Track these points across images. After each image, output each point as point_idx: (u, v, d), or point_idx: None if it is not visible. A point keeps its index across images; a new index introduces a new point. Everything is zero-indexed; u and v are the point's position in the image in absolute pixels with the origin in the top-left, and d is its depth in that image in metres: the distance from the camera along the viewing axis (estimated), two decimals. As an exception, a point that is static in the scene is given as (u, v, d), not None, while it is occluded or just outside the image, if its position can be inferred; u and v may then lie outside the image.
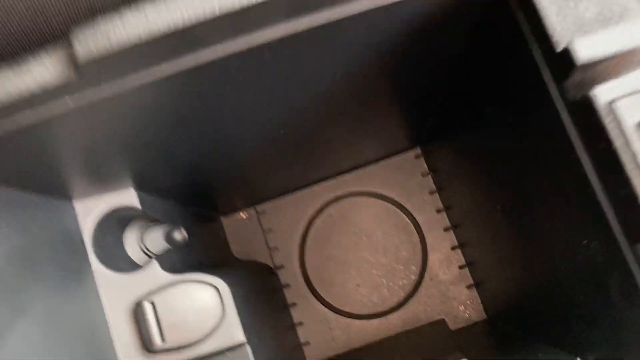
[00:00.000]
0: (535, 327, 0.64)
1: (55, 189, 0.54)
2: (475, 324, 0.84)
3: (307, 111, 0.63)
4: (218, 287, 0.59)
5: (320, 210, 0.92)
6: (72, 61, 0.35)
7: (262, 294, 0.75)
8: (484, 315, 0.84)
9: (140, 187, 0.62)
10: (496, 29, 0.44)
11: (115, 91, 0.37)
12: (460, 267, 0.86)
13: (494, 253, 0.72)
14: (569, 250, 0.46)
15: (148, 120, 0.46)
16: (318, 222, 0.92)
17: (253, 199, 0.90)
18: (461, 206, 0.80)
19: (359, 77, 0.58)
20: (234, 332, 0.59)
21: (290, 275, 0.89)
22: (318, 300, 0.89)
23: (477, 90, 0.56)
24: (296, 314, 0.88)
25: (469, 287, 0.86)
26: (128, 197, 0.61)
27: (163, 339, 0.56)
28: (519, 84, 0.44)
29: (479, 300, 0.85)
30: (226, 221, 0.91)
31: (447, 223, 0.87)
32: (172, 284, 0.58)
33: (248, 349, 0.61)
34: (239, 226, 0.91)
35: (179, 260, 0.66)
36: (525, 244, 0.59)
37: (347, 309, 0.89)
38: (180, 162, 0.61)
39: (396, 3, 0.38)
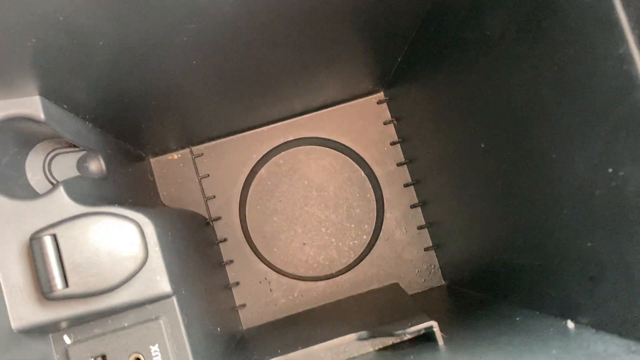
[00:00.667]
0: (509, 290, 0.56)
1: None
2: (433, 289, 0.76)
3: (257, 29, 0.53)
4: (141, 224, 0.47)
5: (267, 157, 0.81)
6: None
7: (193, 245, 0.64)
8: (442, 282, 0.77)
9: (48, 96, 0.49)
10: None
11: None
12: (419, 228, 0.78)
13: (463, 208, 0.63)
14: (585, 184, 0.38)
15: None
16: (263, 170, 0.81)
17: (189, 139, 0.77)
18: (426, 158, 0.71)
19: None
20: (158, 280, 0.48)
21: (228, 228, 0.78)
22: (258, 258, 0.78)
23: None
24: (232, 273, 0.77)
25: (427, 249, 0.77)
26: (30, 105, 0.48)
27: (65, 283, 0.44)
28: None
29: (437, 265, 0.77)
30: (156, 162, 0.78)
31: (408, 178, 0.78)
32: (81, 216, 0.46)
33: (174, 301, 0.49)
34: (171, 169, 0.79)
35: (92, 194, 0.54)
36: (511, 189, 0.50)
37: (290, 270, 0.79)
38: (101, 69, 0.49)
39: None
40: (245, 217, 0.80)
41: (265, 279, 0.78)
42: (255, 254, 0.78)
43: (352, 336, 0.54)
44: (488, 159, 0.52)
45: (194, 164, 0.78)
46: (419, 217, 0.78)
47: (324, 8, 0.53)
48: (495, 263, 0.59)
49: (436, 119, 0.65)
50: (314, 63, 0.66)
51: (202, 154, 0.79)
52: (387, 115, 0.79)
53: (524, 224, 0.49)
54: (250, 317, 0.76)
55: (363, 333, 0.54)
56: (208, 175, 0.78)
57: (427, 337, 0.51)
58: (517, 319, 0.51)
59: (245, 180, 0.79)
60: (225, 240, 0.78)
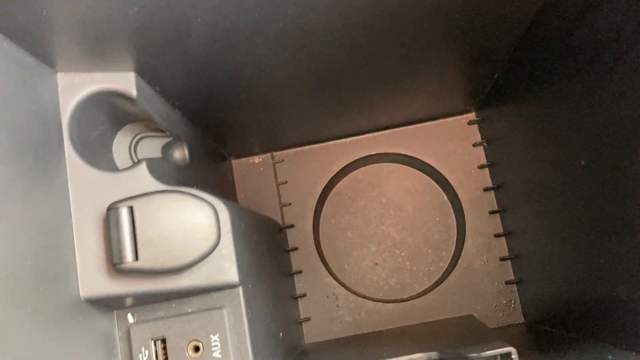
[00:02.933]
0: (601, 327, 0.50)
1: (33, 41, 0.42)
2: (511, 325, 0.70)
3: (354, 25, 0.51)
4: (217, 209, 0.46)
5: (346, 170, 0.79)
6: None
7: (264, 246, 0.62)
8: (521, 319, 0.71)
9: (142, 75, 0.50)
10: None
11: None
12: (502, 259, 0.73)
13: (555, 239, 0.58)
14: None
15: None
16: (342, 183, 0.80)
17: (271, 143, 0.77)
18: (517, 184, 0.67)
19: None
20: (227, 268, 0.46)
21: (300, 237, 0.76)
22: (328, 272, 0.76)
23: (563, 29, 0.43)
24: (300, 284, 0.75)
25: (508, 283, 0.72)
26: (124, 81, 0.49)
27: (136, 256, 0.43)
28: None
29: (518, 301, 0.71)
30: (237, 164, 0.78)
31: (495, 205, 0.74)
32: (162, 192, 0.45)
33: (240, 292, 0.48)
34: (251, 172, 0.78)
35: (172, 177, 0.54)
36: (615, 212, 0.45)
37: (359, 290, 0.76)
38: (195, 49, 0.49)
39: None
40: (319, 229, 0.78)
41: (333, 294, 0.75)
42: (325, 267, 0.76)
43: (421, 356, 0.50)
44: (589, 179, 0.47)
45: (274, 169, 0.78)
46: (502, 247, 0.73)
47: (423, 18, 0.52)
48: (586, 298, 0.54)
49: (534, 142, 0.60)
50: (405, 75, 0.64)
51: (283, 160, 0.78)
52: (477, 137, 0.76)
53: (626, 252, 0.44)
54: (313, 332, 0.73)
55: (433, 354, 0.50)
56: (286, 181, 0.78)
57: (504, 367, 0.47)
58: (610, 357, 0.46)
59: (322, 191, 0.78)
60: (296, 249, 0.76)
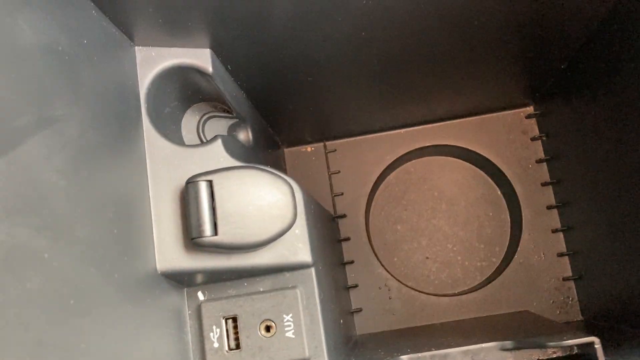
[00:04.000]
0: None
1: (116, 11, 0.42)
2: (569, 323, 0.68)
3: (423, 27, 0.51)
4: (293, 187, 0.46)
5: (398, 162, 0.78)
6: None
7: (325, 232, 0.61)
8: (579, 317, 0.69)
9: (217, 51, 0.50)
10: None
11: None
12: (559, 255, 0.71)
13: (618, 234, 0.57)
14: None
15: None
16: (394, 175, 0.79)
17: (324, 133, 0.76)
18: (577, 179, 0.65)
19: None
20: (301, 248, 0.46)
21: (352, 227, 0.76)
22: (380, 263, 0.75)
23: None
24: (352, 274, 0.74)
25: (565, 279, 0.70)
26: (201, 56, 0.49)
27: (215, 231, 0.42)
28: None
29: (576, 297, 0.70)
30: (289, 152, 0.78)
31: (552, 200, 0.72)
32: (241, 167, 0.45)
33: (313, 272, 0.47)
34: (303, 161, 0.78)
35: (242, 155, 0.53)
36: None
37: (409, 283, 0.75)
38: (273, 28, 0.49)
39: None
40: (369, 220, 0.77)
41: (385, 285, 0.74)
42: (377, 257, 0.75)
43: (494, 344, 0.49)
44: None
45: (326, 158, 0.77)
46: (559, 243, 0.72)
47: (493, 14, 0.51)
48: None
49: (596, 136, 0.59)
50: (466, 68, 0.63)
51: (335, 150, 0.77)
52: (536, 131, 0.74)
53: None
54: (365, 323, 0.72)
55: (507, 343, 0.48)
56: (339, 171, 0.77)
57: (582, 358, 0.45)
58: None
59: (375, 182, 0.77)
60: (348, 239, 0.75)
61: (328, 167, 0.77)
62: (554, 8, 0.52)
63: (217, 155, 0.47)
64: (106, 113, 0.40)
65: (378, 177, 0.77)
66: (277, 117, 0.68)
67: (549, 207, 0.72)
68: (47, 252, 0.30)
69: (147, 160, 0.45)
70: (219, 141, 0.47)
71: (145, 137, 0.45)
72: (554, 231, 0.72)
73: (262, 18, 0.46)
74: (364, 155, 0.77)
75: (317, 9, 0.46)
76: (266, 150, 0.68)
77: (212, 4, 0.43)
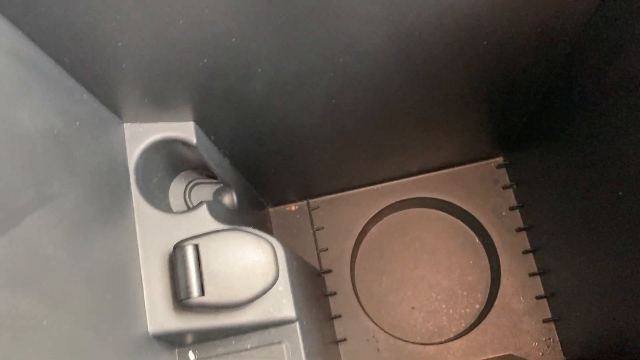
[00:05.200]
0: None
1: (105, 93, 0.46)
2: (552, 365, 0.70)
3: (385, 90, 0.56)
4: (274, 245, 0.49)
5: (380, 215, 0.81)
6: None
7: (309, 288, 0.64)
8: (562, 357, 0.71)
9: (200, 124, 0.54)
10: None
11: None
12: (538, 298, 0.74)
13: (592, 275, 0.60)
14: None
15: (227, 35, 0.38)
16: (375, 228, 0.82)
17: (307, 191, 0.80)
18: (550, 223, 0.69)
19: (447, 53, 0.50)
20: (284, 304, 0.48)
21: (338, 281, 0.78)
22: (367, 315, 0.77)
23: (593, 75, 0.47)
24: (340, 328, 0.76)
25: (546, 321, 0.73)
26: (185, 129, 0.53)
27: (202, 292, 0.45)
28: None
29: (557, 338, 0.72)
30: (274, 212, 0.81)
31: (527, 245, 0.76)
32: (225, 230, 0.48)
33: (297, 327, 0.49)
34: (288, 219, 0.81)
35: (226, 219, 0.57)
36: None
37: (397, 334, 0.77)
38: (246, 111, 0.53)
39: None
40: (354, 273, 0.80)
41: (373, 337, 0.76)
42: (364, 310, 0.77)
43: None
44: (628, 209, 0.50)
45: (310, 216, 0.80)
46: (537, 286, 0.74)
47: (459, 73, 0.56)
48: (632, 334, 0.55)
49: (565, 180, 0.63)
50: (436, 123, 0.68)
51: (319, 207, 0.81)
52: (506, 180, 0.78)
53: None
54: (355, 376, 0.74)
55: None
56: (322, 227, 0.80)
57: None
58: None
59: (358, 236, 0.80)
60: (334, 293, 0.77)
61: (312, 224, 0.80)
62: (513, 68, 0.57)
63: (202, 220, 0.50)
64: (99, 187, 0.43)
65: (361, 231, 0.80)
66: (261, 179, 0.72)
67: (525, 252, 0.75)
68: (46, 319, 0.33)
69: (137, 228, 0.48)
70: (204, 207, 0.50)
71: (134, 207, 0.49)
72: (531, 275, 0.75)
73: (239, 93, 0.50)
74: (346, 210, 0.81)
75: (290, 82, 0.50)
76: (251, 211, 0.72)
77: (194, 83, 0.48)
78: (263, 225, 0.78)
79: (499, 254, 0.76)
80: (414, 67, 0.53)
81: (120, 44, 0.40)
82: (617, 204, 0.51)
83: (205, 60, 0.44)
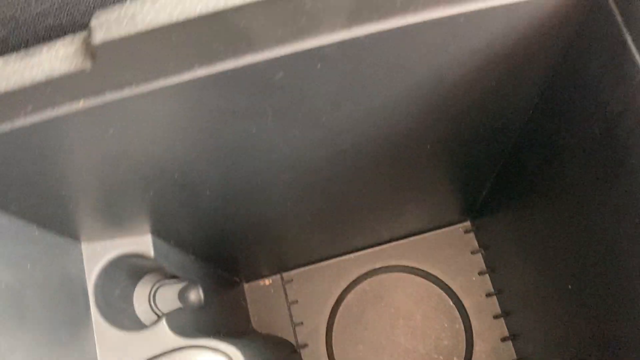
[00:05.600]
0: None
1: (59, 224, 0.47)
2: None
3: (346, 173, 0.57)
4: (232, 357, 0.50)
5: (354, 284, 0.82)
6: (89, 49, 0.29)
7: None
8: None
9: (157, 235, 0.55)
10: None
11: (135, 92, 0.31)
12: (512, 363, 0.75)
13: (561, 345, 0.61)
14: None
15: (172, 143, 0.39)
16: (350, 297, 0.83)
17: (280, 265, 0.81)
18: (517, 290, 0.70)
19: (413, 123, 0.51)
20: (249, 415, 0.49)
21: (314, 356, 0.79)
22: (345, 388, 0.78)
23: (551, 144, 0.48)
24: (319, 403, 0.77)
25: (521, 386, 0.74)
26: (142, 243, 0.54)
27: (163, 415, 0.46)
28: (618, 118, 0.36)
29: (533, 405, 0.73)
30: (248, 287, 0.82)
31: (498, 309, 0.77)
32: (180, 349, 0.49)
33: None
34: (262, 294, 0.82)
35: (191, 324, 0.58)
36: (603, 339, 0.49)
37: (377, 403, 0.78)
38: (204, 213, 0.54)
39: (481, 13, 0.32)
40: (332, 345, 0.81)
41: (352, 411, 0.77)
42: (342, 383, 0.78)
43: None
44: (575, 301, 0.51)
45: (284, 289, 0.81)
46: (510, 350, 0.75)
47: (412, 156, 0.57)
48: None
49: (524, 251, 0.64)
50: (401, 198, 0.69)
51: (292, 280, 0.82)
52: (475, 244, 0.80)
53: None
54: None
55: None
56: (297, 301, 0.81)
57: None
58: None
59: (333, 307, 0.81)
60: (312, 368, 0.78)
61: (287, 298, 0.81)
62: (464, 149, 0.58)
63: (163, 336, 0.51)
64: (55, 325, 0.44)
65: (335, 302, 0.81)
66: (230, 263, 0.73)
67: (496, 317, 0.76)
68: None
69: (98, 352, 0.49)
70: (163, 322, 0.51)
71: (94, 331, 0.50)
72: (503, 340, 0.75)
73: (192, 207, 0.52)
74: (320, 282, 0.81)
75: (239, 197, 0.51)
76: (223, 294, 0.73)
77: (149, 205, 0.49)
78: (236, 303, 0.78)
79: (471, 319, 0.77)
80: (366, 168, 0.54)
81: (67, 190, 0.41)
82: (567, 295, 0.52)
83: (152, 192, 0.45)
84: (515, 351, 0.75)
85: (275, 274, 0.82)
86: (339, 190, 0.62)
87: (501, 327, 0.76)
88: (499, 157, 0.62)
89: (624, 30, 0.33)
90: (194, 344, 0.49)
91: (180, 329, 0.52)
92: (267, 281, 0.82)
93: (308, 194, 0.58)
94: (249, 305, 0.81)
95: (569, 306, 0.57)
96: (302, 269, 0.82)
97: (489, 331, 0.76)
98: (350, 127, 0.43)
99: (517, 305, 0.71)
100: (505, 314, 0.75)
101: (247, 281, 0.82)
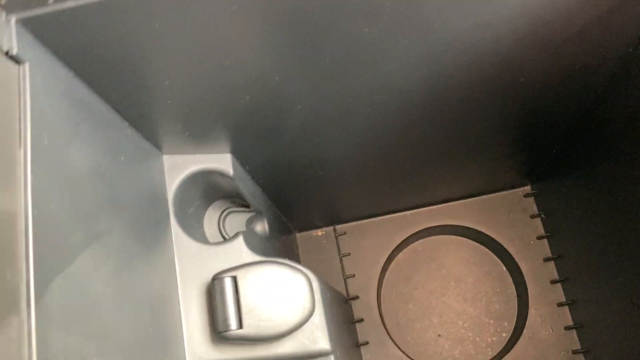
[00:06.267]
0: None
1: (148, 128, 0.47)
2: (582, 397, 0.70)
3: (416, 125, 0.56)
4: (310, 278, 0.49)
5: (406, 243, 0.82)
6: None
7: (340, 318, 0.64)
8: (591, 390, 0.71)
9: (237, 155, 0.55)
10: None
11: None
12: (567, 329, 0.73)
13: (619, 312, 0.59)
14: None
15: (269, 45, 0.39)
16: (402, 255, 0.82)
17: (334, 217, 0.81)
18: (578, 254, 0.69)
19: (480, 90, 0.51)
20: (320, 336, 0.49)
21: (365, 309, 0.78)
22: (394, 343, 0.77)
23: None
24: (367, 355, 0.76)
25: (575, 352, 0.72)
26: (222, 161, 0.53)
27: (240, 325, 0.46)
28: None
29: (587, 371, 0.71)
30: (301, 237, 0.82)
31: (556, 275, 0.75)
32: (260, 262, 0.49)
33: (332, 359, 0.50)
34: (315, 245, 0.81)
35: (261, 249, 0.57)
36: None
37: (423, 361, 0.77)
38: (289, 134, 0.54)
39: None
40: (381, 301, 0.80)
41: (401, 365, 0.76)
42: (390, 338, 0.77)
43: None
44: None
45: (337, 241, 0.81)
46: (566, 316, 0.74)
47: (490, 107, 0.56)
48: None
49: (593, 212, 0.63)
50: (463, 154, 0.68)
51: (345, 233, 0.81)
52: (534, 209, 0.78)
53: None
54: (381, 404, 0.74)
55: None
56: (349, 254, 0.80)
57: None
58: None
59: (384, 264, 0.80)
60: (361, 320, 0.77)
61: (339, 250, 0.81)
62: (544, 104, 0.57)
63: (239, 251, 0.50)
64: (141, 220, 0.44)
65: (387, 258, 0.80)
66: (290, 206, 0.73)
67: (553, 282, 0.75)
68: (95, 356, 0.34)
69: (176, 260, 0.49)
70: (241, 238, 0.51)
71: (173, 239, 0.49)
72: (560, 305, 0.74)
73: (276, 128, 0.51)
74: (372, 237, 0.81)
75: (326, 119, 0.51)
76: (281, 237, 0.72)
77: (233, 119, 0.48)
78: (290, 250, 0.78)
79: (527, 283, 0.76)
80: (446, 105, 0.53)
81: (165, 83, 0.41)
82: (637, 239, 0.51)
83: (247, 97, 0.45)
84: (572, 317, 0.73)
85: (328, 225, 0.82)
86: (404, 147, 0.61)
87: (558, 293, 0.75)
88: (570, 123, 0.61)
89: None
90: (273, 260, 0.49)
91: (254, 249, 0.51)
92: (320, 232, 0.82)
93: (380, 133, 0.58)
94: (300, 255, 0.81)
95: (631, 276, 0.56)
96: (355, 223, 0.82)
97: (545, 296, 0.75)
98: (452, 40, 0.43)
99: (578, 270, 0.70)
100: (564, 279, 0.74)
101: (300, 231, 0.82)
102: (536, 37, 0.45)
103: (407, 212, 0.81)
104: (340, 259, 0.80)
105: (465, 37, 0.43)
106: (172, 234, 0.50)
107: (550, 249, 0.76)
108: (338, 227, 0.82)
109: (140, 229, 0.43)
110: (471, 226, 0.79)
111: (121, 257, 0.39)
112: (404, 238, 0.81)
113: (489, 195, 0.80)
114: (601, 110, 0.57)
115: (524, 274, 0.76)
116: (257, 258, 0.50)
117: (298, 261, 0.80)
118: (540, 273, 0.76)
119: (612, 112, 0.55)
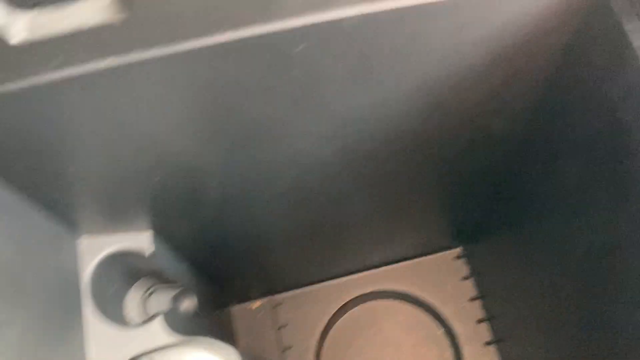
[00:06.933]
0: None
1: (62, 209, 0.46)
2: None
3: (348, 179, 0.58)
4: (231, 356, 0.49)
5: (344, 309, 0.81)
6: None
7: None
8: None
9: (157, 232, 0.54)
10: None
11: (164, 52, 0.32)
12: (503, 391, 0.74)
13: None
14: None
15: (180, 122, 0.40)
16: (340, 323, 0.82)
17: (270, 287, 0.80)
18: (511, 314, 0.70)
19: (413, 121, 0.53)
20: (242, 417, 0.48)
21: (303, 381, 0.77)
22: (334, 415, 0.76)
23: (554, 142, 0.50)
24: None
25: (512, 415, 0.72)
26: (142, 239, 0.53)
27: (155, 411, 0.44)
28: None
29: None
30: (236, 310, 0.81)
31: (490, 336, 0.76)
32: (176, 345, 0.48)
33: None
34: (250, 317, 0.80)
35: (184, 328, 0.56)
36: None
37: None
38: (203, 214, 0.54)
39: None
40: (321, 371, 0.79)
41: None
42: (330, 410, 0.76)
43: None
44: (575, 327, 0.51)
45: (273, 313, 0.80)
46: (502, 378, 0.74)
47: (412, 176, 0.58)
48: None
49: (522, 269, 0.64)
50: (393, 222, 0.70)
51: (282, 303, 0.81)
52: (465, 271, 0.80)
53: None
54: None
55: None
56: (286, 324, 0.80)
57: None
58: None
59: (322, 332, 0.80)
60: (300, 393, 0.76)
61: (276, 321, 0.80)
62: (456, 166, 0.60)
63: (158, 332, 0.49)
64: (47, 309, 0.43)
65: (325, 326, 0.80)
66: (223, 279, 0.72)
67: (487, 343, 0.76)
68: None
69: (90, 344, 0.48)
70: (160, 318, 0.50)
71: (88, 323, 0.48)
72: (495, 367, 0.75)
73: (196, 203, 0.52)
74: (310, 306, 0.80)
75: (242, 195, 0.52)
76: (213, 312, 0.71)
77: (150, 196, 0.49)
78: (224, 326, 0.77)
79: (461, 346, 0.76)
80: (361, 174, 0.55)
81: (74, 166, 0.41)
82: (573, 294, 0.52)
83: (161, 175, 0.45)
84: (508, 379, 0.74)
85: (264, 296, 0.81)
86: (336, 203, 0.62)
87: (493, 354, 0.75)
88: (494, 172, 0.63)
89: (623, 20, 0.35)
90: (191, 339, 0.48)
91: (175, 328, 0.51)
92: (257, 303, 0.81)
93: (305, 204, 0.59)
94: (237, 329, 0.79)
95: (568, 334, 0.57)
96: (292, 292, 0.81)
97: (480, 358, 0.76)
98: (356, 117, 0.44)
99: (510, 331, 0.71)
100: (497, 341, 0.75)
101: (237, 303, 0.81)
102: (443, 107, 0.47)
103: (344, 278, 0.82)
104: (278, 331, 0.79)
105: (365, 114, 0.44)
106: (87, 317, 0.48)
107: (484, 309, 0.77)
108: (274, 297, 0.81)
109: (45, 319, 0.42)
110: (407, 290, 0.80)
111: (22, 348, 0.38)
112: (340, 305, 0.81)
113: (423, 258, 0.81)
114: (517, 165, 0.59)
115: (458, 337, 0.76)
116: (178, 339, 0.49)
117: (231, 336, 0.78)
118: (474, 335, 0.77)
119: (528, 166, 0.57)
